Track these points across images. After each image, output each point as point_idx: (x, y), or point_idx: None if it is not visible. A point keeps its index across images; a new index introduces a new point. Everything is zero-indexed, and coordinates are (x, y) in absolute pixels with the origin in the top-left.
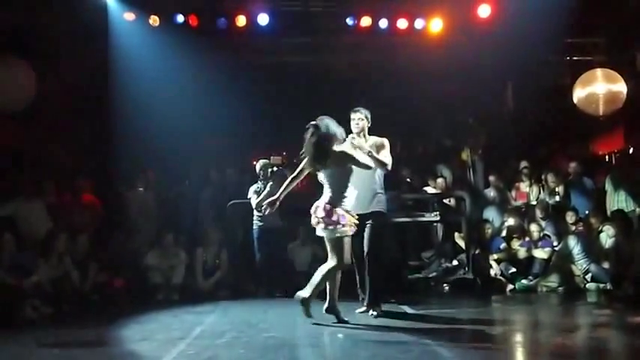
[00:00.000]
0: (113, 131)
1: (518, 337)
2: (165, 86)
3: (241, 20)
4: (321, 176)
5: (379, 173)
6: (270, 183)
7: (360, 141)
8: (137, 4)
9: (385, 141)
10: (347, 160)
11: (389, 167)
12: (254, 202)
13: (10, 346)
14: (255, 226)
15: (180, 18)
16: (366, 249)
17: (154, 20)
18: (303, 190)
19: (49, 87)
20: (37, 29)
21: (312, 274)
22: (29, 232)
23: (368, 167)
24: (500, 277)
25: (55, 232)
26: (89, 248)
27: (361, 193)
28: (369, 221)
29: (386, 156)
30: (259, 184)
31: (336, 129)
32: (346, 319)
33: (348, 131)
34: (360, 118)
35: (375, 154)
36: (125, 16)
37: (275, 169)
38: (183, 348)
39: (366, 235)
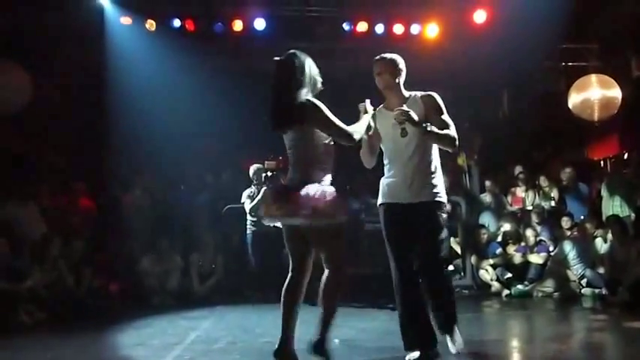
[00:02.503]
0: (109, 134)
1: (514, 343)
2: (161, 90)
3: (238, 25)
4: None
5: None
6: (264, 188)
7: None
8: (134, 8)
9: (435, 97)
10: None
11: (456, 143)
12: (247, 206)
13: (4, 351)
14: (248, 231)
15: (176, 22)
16: None
17: (151, 24)
18: None
19: (46, 90)
20: (34, 32)
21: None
22: (24, 236)
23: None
24: (496, 283)
25: (50, 236)
26: (84, 252)
27: None
28: None
29: (449, 124)
30: (253, 189)
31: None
32: None
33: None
34: (378, 72)
35: (431, 126)
36: (122, 20)
37: (269, 173)
38: (178, 353)
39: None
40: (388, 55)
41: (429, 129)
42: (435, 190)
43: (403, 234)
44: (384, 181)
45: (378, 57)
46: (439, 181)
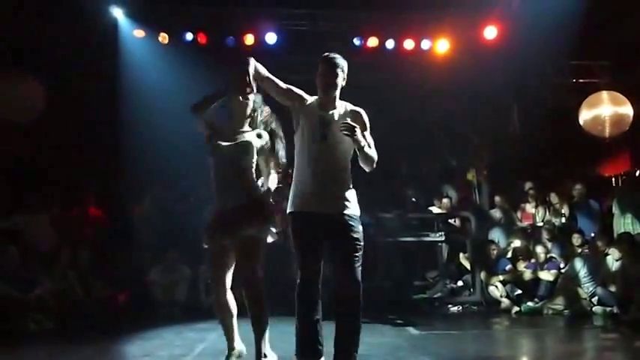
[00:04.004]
0: (120, 146)
1: None
2: (172, 102)
3: (249, 39)
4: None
5: None
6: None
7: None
8: (147, 21)
9: (363, 114)
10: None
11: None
12: None
13: (11, 359)
14: None
15: (189, 36)
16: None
17: (164, 38)
18: None
19: (59, 101)
20: (49, 44)
21: None
22: (34, 245)
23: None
24: (506, 299)
25: (60, 247)
26: (93, 263)
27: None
28: None
29: (371, 144)
30: None
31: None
32: None
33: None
34: (323, 73)
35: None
36: (135, 33)
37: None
38: None
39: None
40: (339, 59)
41: (365, 148)
42: (349, 203)
43: (314, 244)
44: (294, 187)
45: (328, 56)
46: (353, 193)
